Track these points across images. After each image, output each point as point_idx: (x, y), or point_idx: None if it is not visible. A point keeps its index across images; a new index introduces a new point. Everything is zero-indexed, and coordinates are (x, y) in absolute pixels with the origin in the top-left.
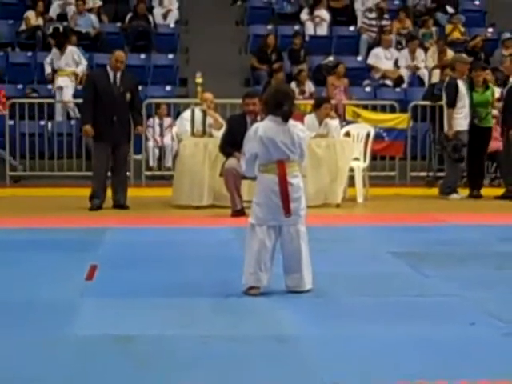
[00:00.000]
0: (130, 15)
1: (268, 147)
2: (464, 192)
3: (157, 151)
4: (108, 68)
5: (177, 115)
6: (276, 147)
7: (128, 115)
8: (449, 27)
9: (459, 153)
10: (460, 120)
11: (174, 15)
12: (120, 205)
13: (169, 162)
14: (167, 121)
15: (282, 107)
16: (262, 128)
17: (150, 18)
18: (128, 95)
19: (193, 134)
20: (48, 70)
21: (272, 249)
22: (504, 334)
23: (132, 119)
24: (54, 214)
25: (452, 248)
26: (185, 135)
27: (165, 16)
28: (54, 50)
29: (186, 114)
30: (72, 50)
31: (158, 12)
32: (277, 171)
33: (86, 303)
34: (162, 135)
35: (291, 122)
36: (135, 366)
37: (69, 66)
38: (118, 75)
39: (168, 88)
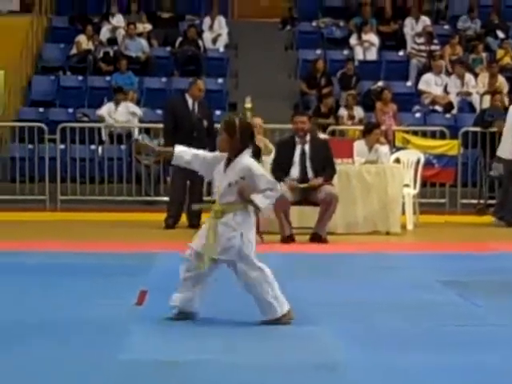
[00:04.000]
0: (179, 40)
1: None
2: None
3: None
4: (187, 96)
5: None
6: None
7: (204, 141)
8: (500, 52)
9: None
10: None
11: (224, 40)
12: (193, 224)
13: None
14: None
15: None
16: None
17: (200, 42)
18: (205, 122)
19: None
20: (101, 114)
21: None
22: None
23: (207, 146)
24: (104, 239)
25: (504, 277)
26: None
27: (214, 41)
28: (110, 105)
29: None
30: (127, 106)
31: (207, 36)
32: None
33: (136, 328)
34: None
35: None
36: None
37: (124, 118)
38: (196, 103)
39: (217, 113)
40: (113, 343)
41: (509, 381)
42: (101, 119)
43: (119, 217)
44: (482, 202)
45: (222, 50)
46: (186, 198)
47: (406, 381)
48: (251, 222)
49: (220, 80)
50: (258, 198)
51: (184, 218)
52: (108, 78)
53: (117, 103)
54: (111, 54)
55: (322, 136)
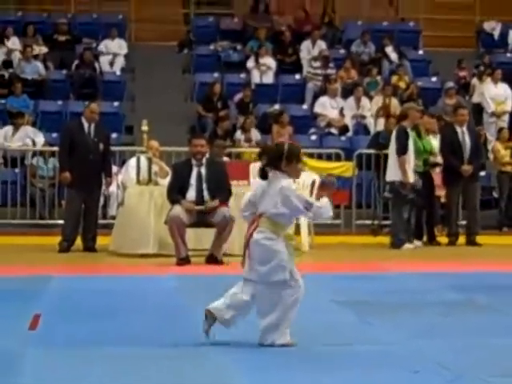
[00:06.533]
0: (76, 62)
1: None
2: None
3: (102, 199)
4: (83, 119)
5: (122, 163)
6: None
7: (100, 164)
8: (394, 78)
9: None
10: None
11: (121, 63)
12: (89, 247)
13: (113, 211)
14: (112, 168)
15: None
16: None
17: (97, 65)
18: (101, 146)
19: (138, 181)
20: None
21: None
22: (449, 382)
23: (103, 169)
24: None
25: (397, 297)
26: (130, 183)
27: (111, 63)
28: (7, 128)
29: (132, 161)
30: (27, 130)
31: (104, 59)
32: None
33: (29, 353)
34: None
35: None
36: None
37: (21, 142)
38: (92, 126)
39: (114, 135)
40: (7, 370)
41: None
42: None
43: (13, 240)
44: (376, 222)
45: (118, 73)
46: (81, 221)
47: None
48: None
49: (116, 103)
50: None
51: (79, 241)
52: (3, 101)
53: (16, 128)
54: (6, 76)
55: (226, 159)
